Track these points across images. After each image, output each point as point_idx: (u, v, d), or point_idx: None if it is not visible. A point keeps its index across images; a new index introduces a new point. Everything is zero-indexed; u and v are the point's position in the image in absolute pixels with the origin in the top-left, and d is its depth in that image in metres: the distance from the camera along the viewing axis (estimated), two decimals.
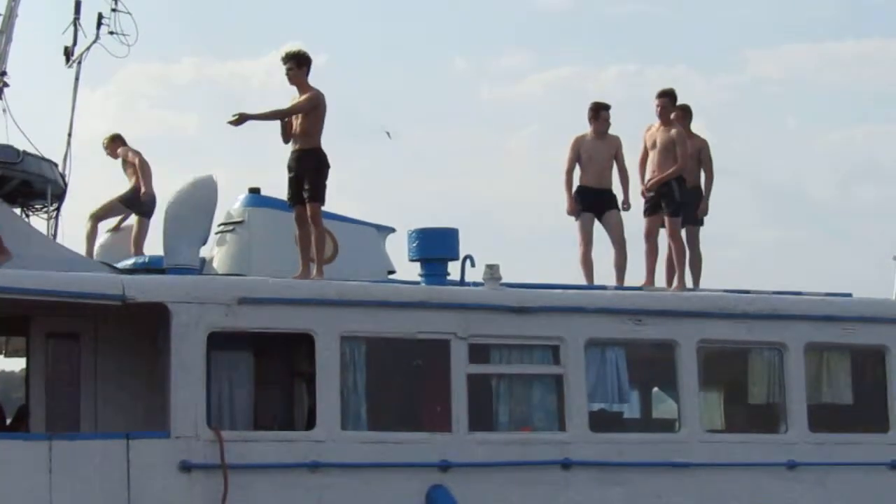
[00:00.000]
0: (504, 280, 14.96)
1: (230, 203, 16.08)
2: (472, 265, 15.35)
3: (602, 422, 15.06)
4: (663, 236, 16.86)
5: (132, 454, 13.29)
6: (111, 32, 16.08)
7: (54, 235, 15.49)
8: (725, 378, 16.22)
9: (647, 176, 16.91)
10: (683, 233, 17.00)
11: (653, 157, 16.87)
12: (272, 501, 13.63)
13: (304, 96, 14.71)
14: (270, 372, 14.38)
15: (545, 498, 14.48)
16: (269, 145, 15.24)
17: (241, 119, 14.57)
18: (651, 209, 16.83)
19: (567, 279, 16.30)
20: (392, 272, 16.45)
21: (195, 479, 13.44)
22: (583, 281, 16.75)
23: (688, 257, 16.98)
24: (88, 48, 16.34)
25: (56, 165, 15.35)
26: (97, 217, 16.74)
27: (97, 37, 16.15)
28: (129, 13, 16.04)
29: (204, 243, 15.05)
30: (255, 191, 16.07)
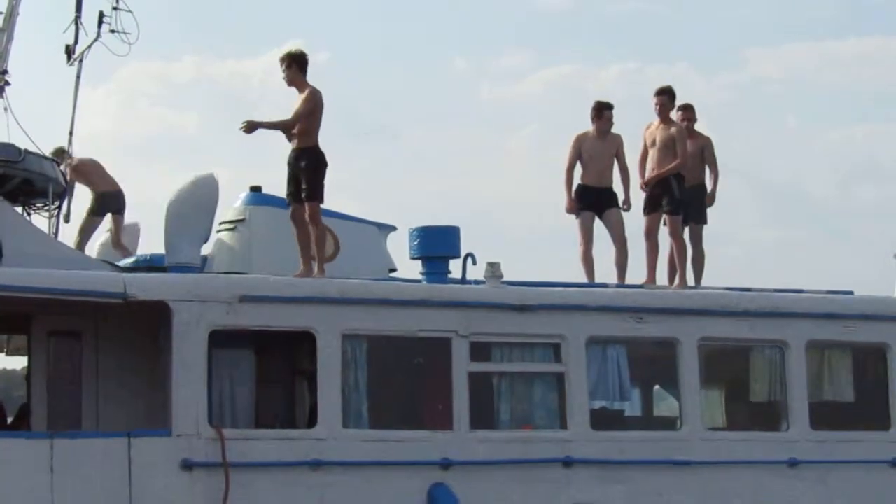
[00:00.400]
0: (505, 278, 14.96)
1: (231, 201, 16.07)
2: (474, 263, 15.35)
3: (603, 420, 15.06)
4: (664, 234, 16.87)
5: (133, 453, 13.30)
6: (112, 31, 16.07)
7: (55, 234, 15.49)
8: (727, 376, 16.22)
9: (647, 174, 16.92)
10: (686, 231, 17.01)
11: (653, 154, 16.89)
12: (274, 500, 13.64)
13: (301, 97, 14.73)
14: (272, 370, 14.39)
15: (546, 496, 14.48)
16: (269, 144, 15.25)
17: (250, 127, 14.63)
18: (651, 207, 16.84)
19: (568, 277, 16.32)
20: (393, 270, 16.45)
21: (197, 477, 13.45)
22: (584, 279, 16.76)
23: (690, 255, 17.00)
24: (89, 46, 16.34)
25: (57, 164, 15.35)
26: (81, 244, 16.61)
27: (98, 35, 16.14)
28: (130, 11, 16.03)
29: (205, 241, 15.07)
30: (256, 189, 16.07)
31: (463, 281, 15.34)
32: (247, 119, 14.62)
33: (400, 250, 16.17)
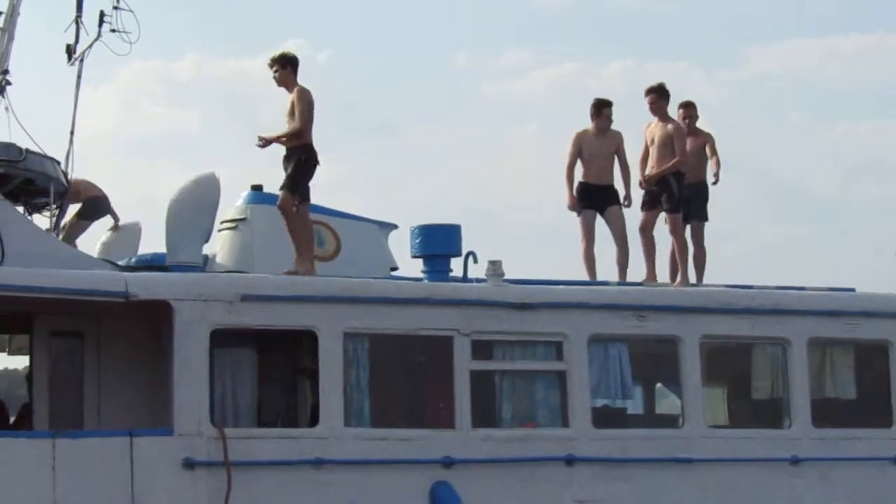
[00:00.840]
0: (507, 276, 14.96)
1: (232, 200, 16.08)
2: (475, 262, 15.35)
3: (605, 418, 15.05)
4: (663, 232, 16.87)
5: (136, 452, 13.30)
6: (113, 30, 16.06)
7: (57, 233, 15.48)
8: (729, 373, 16.22)
9: (647, 172, 16.92)
10: (688, 229, 17.01)
11: (652, 152, 16.90)
12: (276, 498, 13.64)
13: (293, 98, 14.82)
14: (273, 369, 14.38)
15: (549, 494, 14.48)
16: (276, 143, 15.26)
17: (265, 143, 14.82)
18: (649, 204, 16.85)
19: (569, 275, 16.32)
20: (394, 269, 16.45)
21: (199, 476, 13.45)
22: (585, 277, 16.76)
23: (692, 253, 17.00)
24: (90, 46, 16.32)
25: (59, 163, 15.34)
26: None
27: (99, 35, 16.13)
28: (130, 11, 16.01)
29: (206, 241, 15.07)
30: (257, 188, 16.07)
31: (464, 279, 15.34)
32: (260, 136, 14.87)
33: (401, 249, 16.21)
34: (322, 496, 13.76)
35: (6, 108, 14.96)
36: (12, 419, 15.72)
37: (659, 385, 16.38)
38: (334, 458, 13.85)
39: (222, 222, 15.80)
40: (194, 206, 14.80)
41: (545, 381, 14.89)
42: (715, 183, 17.29)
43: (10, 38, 15.15)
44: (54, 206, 15.22)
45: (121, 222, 17.13)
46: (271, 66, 15.04)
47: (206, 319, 13.66)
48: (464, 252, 15.50)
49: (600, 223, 17.09)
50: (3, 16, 15.13)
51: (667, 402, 16.21)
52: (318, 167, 14.93)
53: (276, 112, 15.08)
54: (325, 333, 14.04)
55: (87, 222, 16.88)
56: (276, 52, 15.13)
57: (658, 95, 16.97)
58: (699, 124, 17.56)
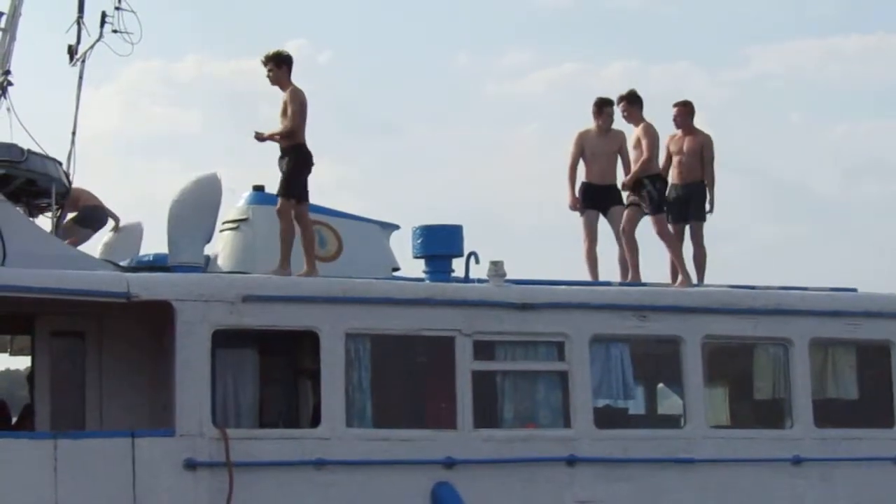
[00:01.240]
0: (508, 277, 14.96)
1: (234, 201, 16.07)
2: (477, 262, 15.36)
3: (607, 418, 15.05)
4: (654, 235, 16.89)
5: (137, 452, 13.30)
6: (115, 31, 16.04)
7: (58, 234, 15.47)
8: (730, 374, 16.21)
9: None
10: (687, 229, 16.98)
11: (631, 157, 16.92)
12: (277, 499, 13.64)
13: (287, 98, 14.80)
14: (275, 369, 14.38)
15: (550, 494, 14.48)
16: (271, 143, 15.24)
17: (259, 138, 14.80)
18: (628, 205, 16.82)
19: (571, 276, 16.31)
20: (396, 269, 16.44)
21: (200, 477, 13.45)
22: (587, 277, 16.75)
23: (692, 253, 16.98)
24: (92, 47, 16.31)
25: (60, 164, 15.34)
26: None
27: (101, 35, 16.12)
28: (132, 11, 16.01)
29: (208, 241, 15.07)
30: (259, 188, 16.06)
31: (466, 280, 15.34)
32: (256, 131, 14.83)
33: (403, 249, 16.21)
34: (324, 497, 13.76)
35: (8, 109, 14.97)
36: (14, 420, 15.72)
37: (661, 385, 16.37)
38: (336, 458, 13.85)
39: (224, 223, 15.80)
40: (196, 207, 14.80)
41: (547, 381, 14.89)
42: (710, 212, 17.19)
43: (12, 39, 15.16)
44: (56, 207, 15.22)
45: (122, 223, 17.12)
46: (265, 64, 15.00)
47: (208, 320, 13.66)
48: (465, 252, 15.51)
49: (603, 223, 17.08)
50: (5, 16, 15.14)
51: (668, 403, 16.21)
52: (312, 167, 14.89)
53: (276, 111, 15.05)
54: (327, 334, 14.03)
55: (88, 231, 16.86)
56: (271, 51, 15.06)
57: (628, 102, 16.97)
58: (698, 125, 17.47)
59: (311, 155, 14.88)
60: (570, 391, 14.79)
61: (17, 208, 14.70)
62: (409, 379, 14.73)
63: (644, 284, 16.26)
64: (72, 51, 16.47)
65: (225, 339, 13.81)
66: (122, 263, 15.08)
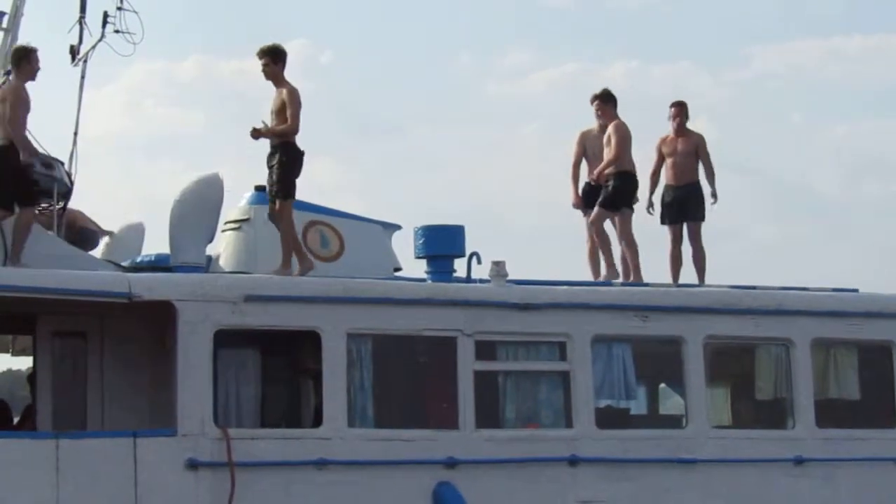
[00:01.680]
0: (510, 277, 14.96)
1: (236, 201, 16.07)
2: (479, 262, 15.36)
3: (609, 418, 15.05)
4: (664, 233, 16.86)
5: (139, 452, 13.30)
6: (117, 31, 16.06)
7: (60, 234, 15.46)
8: (732, 374, 16.20)
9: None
10: (685, 229, 16.99)
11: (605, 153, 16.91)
12: (279, 499, 13.64)
13: (282, 96, 14.75)
14: (277, 369, 14.38)
15: (552, 495, 14.48)
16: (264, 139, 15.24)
17: (256, 135, 14.73)
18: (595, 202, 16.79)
19: (573, 276, 16.31)
20: (398, 269, 16.44)
21: (202, 476, 13.45)
22: (589, 277, 16.75)
23: (690, 253, 17.01)
24: (94, 47, 16.34)
25: (62, 164, 15.35)
26: None
27: (103, 35, 16.15)
28: (134, 12, 16.03)
29: (210, 241, 15.07)
30: (261, 188, 16.05)
31: (468, 280, 15.34)
32: (254, 127, 14.72)
33: (405, 249, 16.21)
34: (325, 497, 13.75)
35: None
36: (16, 420, 15.73)
37: (662, 385, 16.38)
38: (338, 458, 13.85)
39: (226, 223, 15.80)
40: (198, 207, 14.81)
41: (549, 381, 14.89)
42: (714, 203, 17.18)
43: (14, 39, 15.18)
44: (58, 207, 15.22)
45: (124, 223, 17.10)
46: (261, 57, 14.88)
47: (210, 320, 13.66)
48: (467, 253, 15.51)
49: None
50: (7, 16, 15.17)
51: (670, 403, 16.20)
52: (302, 167, 14.86)
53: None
54: (329, 334, 14.03)
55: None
56: (266, 45, 14.94)
57: (602, 101, 16.98)
58: (700, 124, 17.52)
59: (302, 153, 14.85)
60: (572, 391, 14.79)
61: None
62: (410, 379, 14.72)
63: (646, 285, 16.26)
64: (74, 51, 16.49)
65: (227, 339, 13.81)
66: (123, 263, 15.08)
